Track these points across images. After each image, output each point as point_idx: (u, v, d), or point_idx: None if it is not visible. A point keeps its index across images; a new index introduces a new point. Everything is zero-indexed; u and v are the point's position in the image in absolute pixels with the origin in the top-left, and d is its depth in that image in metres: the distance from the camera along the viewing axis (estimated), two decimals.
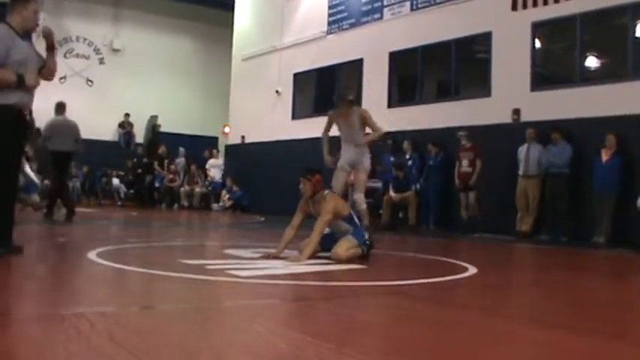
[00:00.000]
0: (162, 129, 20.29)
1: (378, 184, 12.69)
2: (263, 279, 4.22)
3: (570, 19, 10.52)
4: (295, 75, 16.60)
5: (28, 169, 11.47)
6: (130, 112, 20.94)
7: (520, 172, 10.59)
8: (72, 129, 9.69)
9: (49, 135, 9.61)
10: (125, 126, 21.16)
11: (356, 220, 5.83)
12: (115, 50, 21.35)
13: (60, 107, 9.90)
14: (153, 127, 20.61)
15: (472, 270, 5.26)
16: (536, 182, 10.42)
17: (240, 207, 17.35)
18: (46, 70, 5.06)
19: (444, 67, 13.14)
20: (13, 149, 4.82)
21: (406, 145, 12.57)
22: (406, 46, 13.42)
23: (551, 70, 11.85)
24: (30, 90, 4.83)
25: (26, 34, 4.93)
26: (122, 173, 19.25)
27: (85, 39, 21.16)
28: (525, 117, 11.01)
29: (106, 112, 20.51)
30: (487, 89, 11.78)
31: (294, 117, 16.57)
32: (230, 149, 19.40)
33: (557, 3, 10.69)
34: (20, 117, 4.80)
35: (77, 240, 7.31)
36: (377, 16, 14.25)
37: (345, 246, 5.46)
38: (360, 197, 7.22)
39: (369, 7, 14.45)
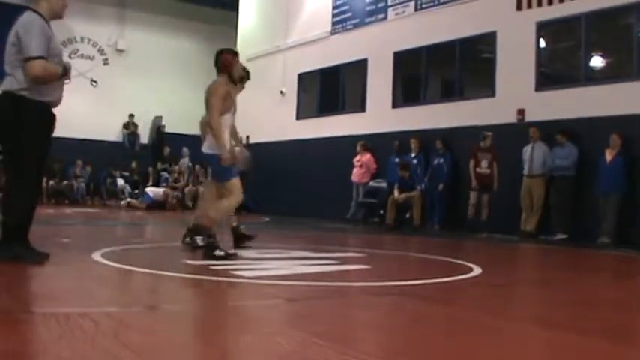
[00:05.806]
0: (167, 130, 20.30)
1: (383, 184, 12.67)
2: (267, 279, 4.22)
3: (575, 19, 10.49)
4: (300, 75, 16.59)
5: None
6: (134, 112, 20.96)
7: (524, 171, 10.57)
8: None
9: None
10: (129, 127, 21.19)
11: None
12: (120, 51, 21.36)
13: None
14: (157, 127, 20.64)
15: (477, 270, 5.25)
16: (540, 182, 10.39)
17: (244, 208, 17.33)
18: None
19: (448, 67, 13.11)
20: (43, 148, 4.53)
21: (412, 144, 12.53)
22: (410, 46, 13.40)
23: (556, 69, 11.82)
24: (62, 85, 4.54)
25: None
26: (127, 174, 19.28)
27: (89, 40, 21.17)
28: (530, 117, 10.98)
29: (110, 112, 20.51)
30: (491, 89, 11.75)
31: (298, 117, 16.57)
32: None
33: (562, 3, 10.66)
34: (52, 117, 4.55)
35: (82, 240, 7.32)
36: (381, 16, 14.24)
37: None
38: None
39: (374, 7, 14.44)
